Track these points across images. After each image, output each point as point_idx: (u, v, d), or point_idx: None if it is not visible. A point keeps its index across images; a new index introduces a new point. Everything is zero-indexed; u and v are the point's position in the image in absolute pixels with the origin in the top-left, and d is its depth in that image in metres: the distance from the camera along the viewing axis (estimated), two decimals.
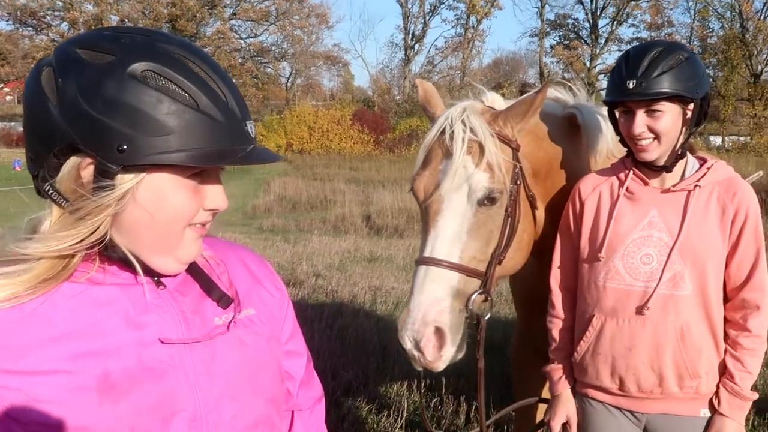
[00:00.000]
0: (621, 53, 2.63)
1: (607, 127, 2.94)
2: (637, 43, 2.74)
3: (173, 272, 1.34)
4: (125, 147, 1.18)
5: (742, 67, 55.49)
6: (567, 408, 2.72)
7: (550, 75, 61.18)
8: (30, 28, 51.50)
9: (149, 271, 1.31)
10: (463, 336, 2.60)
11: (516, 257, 2.73)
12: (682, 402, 2.50)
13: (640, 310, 2.45)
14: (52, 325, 1.22)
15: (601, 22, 58.79)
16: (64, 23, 50.91)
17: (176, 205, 1.27)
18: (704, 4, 57.49)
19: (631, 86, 2.38)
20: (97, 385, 1.21)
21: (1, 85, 54.73)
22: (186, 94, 1.23)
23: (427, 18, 59.48)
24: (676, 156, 2.48)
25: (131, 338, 1.27)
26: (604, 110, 2.91)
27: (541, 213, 2.86)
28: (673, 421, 2.52)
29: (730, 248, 2.47)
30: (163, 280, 1.35)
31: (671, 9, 59.33)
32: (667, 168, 2.49)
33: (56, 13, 51.48)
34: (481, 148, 2.59)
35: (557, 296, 2.76)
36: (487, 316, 2.68)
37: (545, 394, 3.11)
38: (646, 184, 2.54)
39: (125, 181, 1.21)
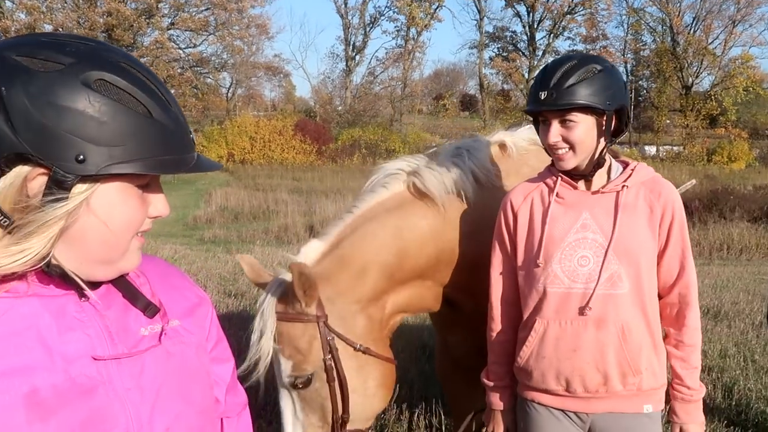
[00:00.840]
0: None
1: (464, 171, 3.02)
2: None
3: (107, 279, 1.32)
4: (83, 157, 1.16)
5: (674, 79, 57.17)
6: (505, 422, 2.81)
7: (489, 86, 62.00)
8: None
9: (71, 283, 1.27)
10: None
11: (369, 405, 2.82)
12: (625, 399, 2.55)
13: (582, 311, 2.48)
14: None
15: (538, 35, 59.97)
16: None
17: (128, 214, 1.26)
18: (637, 18, 59.12)
19: (542, 97, 2.42)
20: (24, 404, 1.17)
21: None
22: (139, 103, 1.22)
23: (368, 29, 59.75)
24: (594, 165, 2.52)
25: (57, 354, 1.23)
26: (463, 151, 3.07)
27: (407, 293, 2.96)
28: (618, 419, 2.56)
29: (661, 247, 2.54)
30: (85, 292, 1.30)
31: (605, 23, 60.91)
32: (586, 176, 2.55)
33: None
34: (279, 335, 2.69)
35: (497, 309, 2.77)
36: None
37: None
38: (575, 188, 2.57)
39: (79, 191, 1.18)
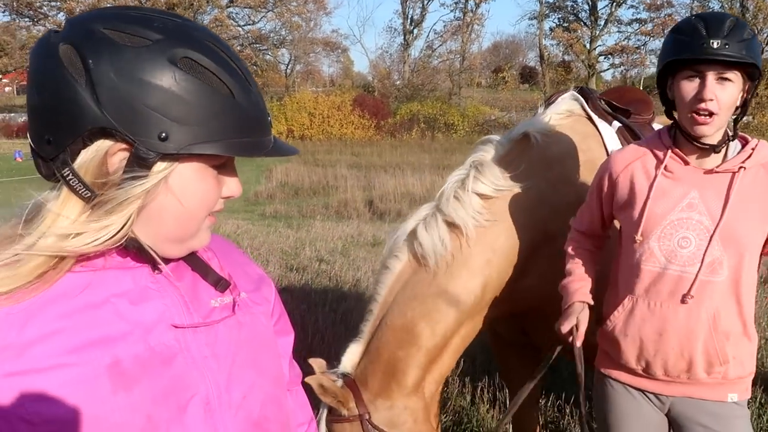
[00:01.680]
0: (684, 19, 2.43)
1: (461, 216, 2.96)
2: (686, 16, 2.52)
3: (177, 257, 1.34)
4: (166, 135, 1.17)
5: None
6: (578, 314, 2.63)
7: (550, 57, 61.00)
8: (27, 19, 51.35)
9: (146, 256, 1.29)
10: None
11: None
12: (709, 387, 2.45)
13: (683, 299, 2.36)
14: (52, 319, 1.19)
15: (600, 4, 58.57)
16: (61, 13, 50.72)
17: (203, 193, 1.27)
18: None
19: (715, 45, 2.20)
20: (108, 374, 1.19)
21: (0, 76, 54.60)
22: (223, 84, 1.22)
23: (426, 2, 59.26)
24: (727, 137, 2.36)
25: (135, 324, 1.25)
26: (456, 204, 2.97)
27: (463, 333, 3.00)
28: (700, 405, 2.46)
29: None
30: (158, 265, 1.33)
31: None
32: (716, 148, 2.35)
33: (53, 4, 51.34)
34: None
35: (585, 239, 2.77)
36: None
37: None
38: (686, 163, 2.41)
39: (159, 169, 1.20)
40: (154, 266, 1.30)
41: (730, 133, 2.37)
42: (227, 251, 1.55)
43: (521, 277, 3.01)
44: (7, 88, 69.87)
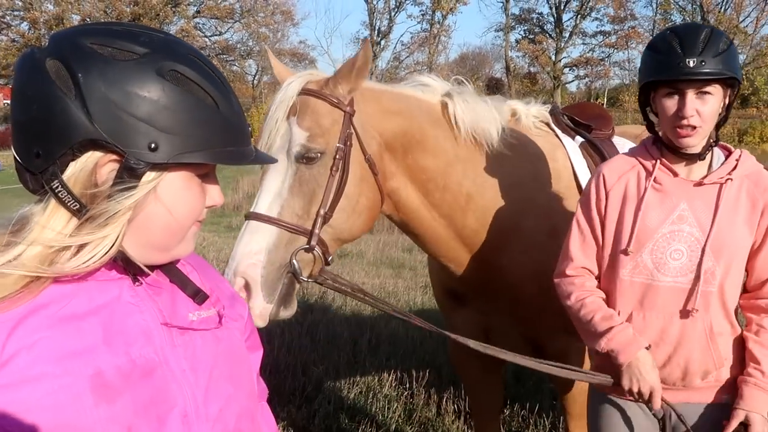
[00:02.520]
0: (658, 34, 2.47)
1: (485, 112, 3.01)
2: (679, 23, 2.56)
3: (160, 263, 1.36)
4: (155, 145, 1.20)
5: None
6: (652, 374, 2.39)
7: (516, 69, 61.57)
8: None
9: (129, 267, 1.31)
10: (286, 293, 2.67)
11: (351, 221, 2.75)
12: (704, 391, 2.47)
13: (688, 313, 2.37)
14: (35, 329, 1.19)
15: (565, 16, 59.36)
16: (24, 23, 50.17)
17: (191, 202, 1.31)
18: None
19: (692, 64, 2.24)
20: (90, 386, 1.20)
21: None
22: (208, 95, 1.27)
23: (393, 14, 59.57)
24: (710, 144, 2.41)
25: (117, 336, 1.26)
26: (487, 99, 3.02)
27: (407, 190, 2.92)
28: (697, 409, 2.48)
29: (759, 242, 2.41)
30: (138, 277, 1.35)
31: (634, 2, 60.04)
32: (701, 156, 2.40)
33: (16, 13, 50.74)
34: (304, 108, 2.67)
35: (579, 277, 2.59)
36: (321, 280, 2.75)
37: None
38: (675, 174, 2.44)
39: (148, 179, 1.23)
40: (135, 279, 1.33)
41: (713, 139, 2.43)
42: (204, 267, 1.58)
43: (498, 251, 3.06)
44: None
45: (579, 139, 3.49)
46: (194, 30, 53.64)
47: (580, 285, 2.57)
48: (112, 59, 1.20)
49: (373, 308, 8.12)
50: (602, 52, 60.95)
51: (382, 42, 59.51)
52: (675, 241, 2.40)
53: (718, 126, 2.44)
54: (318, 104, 2.69)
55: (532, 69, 63.55)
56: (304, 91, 2.71)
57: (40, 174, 1.21)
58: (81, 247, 1.23)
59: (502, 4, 60.62)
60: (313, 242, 2.63)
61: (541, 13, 61.68)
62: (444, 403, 5.12)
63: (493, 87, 65.97)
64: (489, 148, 3.02)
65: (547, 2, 59.99)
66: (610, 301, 2.53)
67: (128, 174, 1.20)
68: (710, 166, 2.45)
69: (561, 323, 3.13)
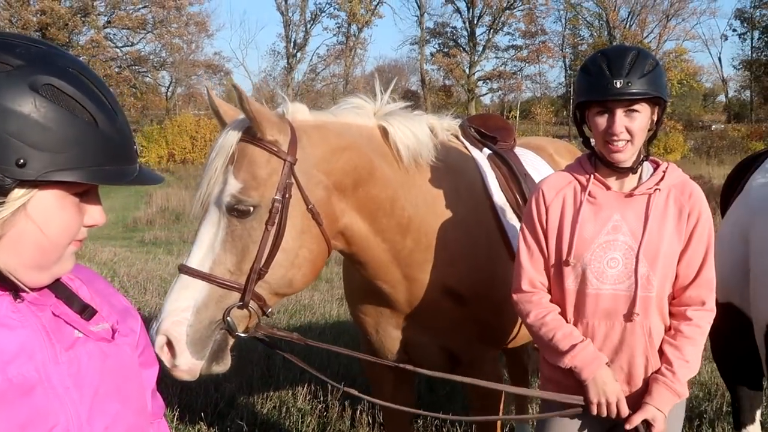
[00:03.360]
0: (590, 55, 2.62)
1: (422, 135, 3.01)
2: (611, 47, 2.66)
3: (42, 285, 1.31)
4: (24, 161, 1.15)
5: None
6: (614, 385, 2.53)
7: (431, 82, 62.34)
8: None
9: (7, 284, 1.27)
10: (218, 348, 2.60)
11: (290, 275, 2.66)
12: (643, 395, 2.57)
13: (631, 316, 2.49)
14: None
15: (478, 31, 60.46)
16: None
17: (64, 222, 1.26)
18: (574, 13, 60.13)
19: (618, 86, 2.40)
20: None
21: None
22: (86, 111, 1.22)
23: (309, 26, 59.58)
24: (641, 159, 2.55)
25: None
26: (417, 118, 3.04)
27: (358, 223, 2.86)
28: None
29: (682, 247, 2.55)
30: (20, 293, 1.31)
31: (544, 18, 61.53)
32: (634, 169, 2.54)
33: None
34: (241, 157, 2.58)
35: (535, 294, 2.66)
36: (259, 334, 2.69)
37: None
38: (608, 188, 2.57)
39: (17, 196, 1.18)
40: (16, 295, 1.28)
41: (644, 154, 2.58)
42: (94, 280, 1.54)
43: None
44: None
45: (486, 150, 3.57)
46: (105, 41, 52.24)
47: (537, 302, 2.66)
48: None
49: (288, 321, 8.08)
50: (514, 65, 62.46)
51: (299, 54, 59.43)
52: (611, 250, 2.53)
53: (649, 141, 2.61)
54: (256, 153, 2.58)
55: (447, 82, 64.46)
56: (244, 138, 2.59)
57: None
58: None
59: (416, 18, 61.39)
60: (247, 299, 2.56)
61: (455, 27, 62.77)
62: (358, 415, 5.13)
63: (409, 100, 66.61)
64: (421, 166, 3.03)
65: (461, 17, 61.09)
66: (561, 313, 2.62)
67: None
68: (640, 178, 2.60)
69: (476, 333, 3.19)
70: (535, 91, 65.23)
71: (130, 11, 53.47)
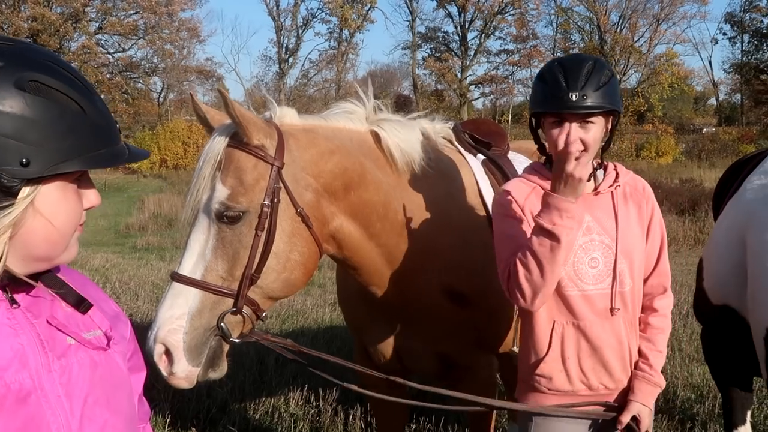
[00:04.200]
0: (547, 63, 2.63)
1: (415, 140, 3.03)
2: (567, 55, 2.70)
3: (42, 269, 1.33)
4: (27, 161, 1.17)
5: None
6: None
7: (423, 86, 62.44)
8: None
9: (4, 289, 1.28)
10: (214, 355, 2.60)
11: (282, 279, 2.67)
12: (626, 391, 2.65)
13: (612, 311, 2.55)
14: None
15: (469, 35, 60.60)
16: None
17: (70, 209, 1.29)
18: (565, 17, 60.35)
19: (574, 98, 2.41)
20: None
21: None
22: (72, 101, 1.24)
23: (300, 32, 59.62)
24: (594, 168, 2.58)
25: None
26: (409, 123, 3.05)
27: (350, 227, 2.85)
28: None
29: (645, 239, 2.64)
30: (15, 297, 1.31)
31: (535, 22, 61.81)
32: (588, 177, 2.49)
33: None
34: (228, 162, 2.58)
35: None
36: (254, 339, 2.70)
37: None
38: None
39: (24, 195, 1.20)
40: (12, 301, 1.29)
41: (598, 162, 2.61)
42: (86, 285, 1.54)
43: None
44: None
45: (480, 156, 3.57)
46: (96, 47, 52.17)
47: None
48: None
49: (280, 326, 8.07)
50: (506, 70, 62.62)
51: (290, 59, 59.46)
52: (590, 251, 2.56)
53: (604, 149, 2.63)
54: (242, 158, 2.58)
55: (439, 86, 64.58)
56: (230, 144, 2.58)
57: None
58: None
59: (408, 23, 61.60)
60: (240, 304, 2.56)
61: (446, 32, 62.90)
62: (350, 420, 5.12)
63: (402, 104, 66.79)
64: (414, 171, 3.03)
65: (452, 22, 61.27)
66: (550, 320, 2.61)
67: (3, 192, 1.18)
68: (596, 179, 2.63)
69: (473, 337, 3.18)
70: (527, 95, 65.24)
71: (122, 17, 53.44)
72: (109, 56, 54.39)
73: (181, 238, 16.68)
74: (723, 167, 6.33)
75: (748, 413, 3.87)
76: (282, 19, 58.90)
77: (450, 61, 60.99)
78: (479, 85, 63.30)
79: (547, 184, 2.54)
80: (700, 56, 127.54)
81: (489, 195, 3.31)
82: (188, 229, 2.66)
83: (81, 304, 1.39)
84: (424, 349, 3.28)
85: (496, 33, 61.46)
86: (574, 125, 2.46)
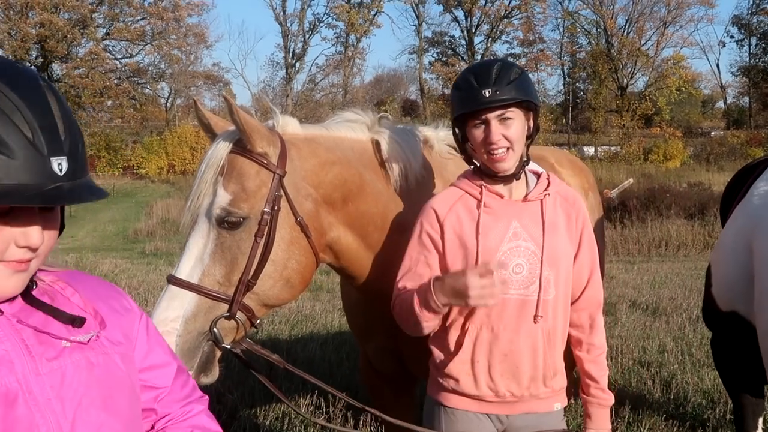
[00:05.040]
0: (460, 73, 2.69)
1: (415, 149, 3.03)
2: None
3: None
4: None
5: (610, 81, 58.38)
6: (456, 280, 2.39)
7: (430, 91, 62.48)
8: None
9: None
10: (206, 360, 2.60)
11: (278, 287, 2.67)
12: (542, 400, 2.63)
13: (535, 319, 2.54)
14: None
15: (476, 39, 60.80)
16: None
17: None
18: (572, 21, 60.31)
19: (487, 95, 2.46)
20: None
21: None
22: None
23: (307, 36, 59.81)
24: (523, 164, 2.60)
25: None
26: (410, 131, 3.07)
27: (348, 238, 2.86)
28: (534, 418, 2.63)
29: (576, 251, 2.64)
30: (1, 307, 1.30)
31: (542, 26, 62.02)
32: (517, 175, 2.59)
33: None
34: (230, 168, 2.59)
35: (405, 291, 2.62)
36: (244, 347, 2.69)
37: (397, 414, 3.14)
38: (501, 197, 2.61)
39: None
40: None
41: (525, 158, 2.61)
42: (90, 286, 1.52)
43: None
44: None
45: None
46: (104, 52, 52.43)
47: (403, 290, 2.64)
48: None
49: (289, 332, 8.08)
50: None
51: (297, 64, 59.61)
52: (515, 257, 2.56)
53: (528, 145, 2.64)
54: (245, 165, 2.59)
55: (445, 91, 64.53)
56: (234, 150, 2.60)
57: None
58: None
59: (414, 28, 61.71)
60: (234, 310, 2.57)
61: (453, 36, 63.10)
62: (360, 425, 5.12)
63: (409, 109, 66.84)
64: (414, 180, 3.03)
65: (459, 26, 61.38)
66: (465, 321, 2.61)
67: None
68: (527, 185, 2.66)
69: None
70: None
71: (129, 23, 53.80)
72: (117, 62, 54.74)
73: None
74: (731, 171, 6.32)
75: (760, 420, 3.86)
76: (289, 24, 59.15)
77: (457, 65, 61.01)
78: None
79: (475, 191, 2.61)
80: (708, 59, 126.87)
81: None
82: (187, 232, 2.66)
83: (74, 321, 1.37)
84: (422, 354, 3.29)
85: (503, 37, 61.81)
86: (494, 122, 2.50)
